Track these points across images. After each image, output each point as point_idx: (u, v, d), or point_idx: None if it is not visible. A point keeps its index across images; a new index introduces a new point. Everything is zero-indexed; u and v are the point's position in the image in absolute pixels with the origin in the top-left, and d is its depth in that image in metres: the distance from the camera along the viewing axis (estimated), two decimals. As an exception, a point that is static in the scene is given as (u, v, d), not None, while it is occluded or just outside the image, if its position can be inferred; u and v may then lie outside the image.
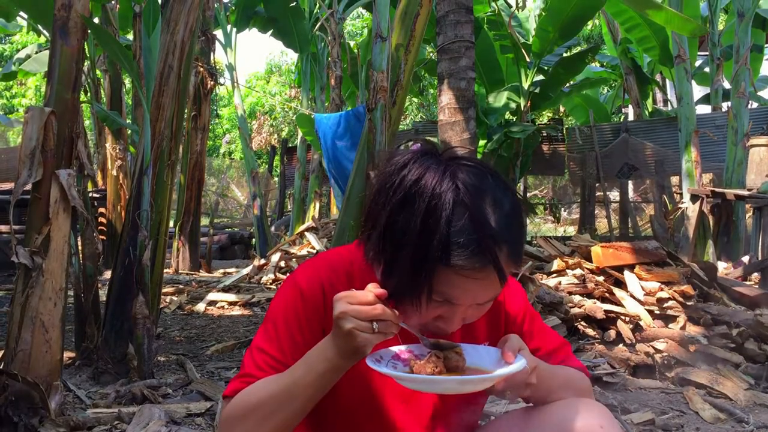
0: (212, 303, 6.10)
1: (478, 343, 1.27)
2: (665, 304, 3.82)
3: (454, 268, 1.06)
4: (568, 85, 11.66)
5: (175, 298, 6.33)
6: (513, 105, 10.79)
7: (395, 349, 1.14)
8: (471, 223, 1.06)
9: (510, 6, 11.77)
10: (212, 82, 9.10)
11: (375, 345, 1.08)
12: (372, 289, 1.07)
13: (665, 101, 14.37)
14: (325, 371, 1.09)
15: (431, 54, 10.87)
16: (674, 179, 11.47)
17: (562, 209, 19.22)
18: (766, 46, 10.61)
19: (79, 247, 3.65)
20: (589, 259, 4.27)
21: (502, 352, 1.11)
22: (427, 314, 1.12)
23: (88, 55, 5.07)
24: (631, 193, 14.31)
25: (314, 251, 7.60)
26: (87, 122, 11.13)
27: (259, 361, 1.18)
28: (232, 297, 6.29)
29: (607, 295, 3.97)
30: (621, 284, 4.03)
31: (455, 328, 1.14)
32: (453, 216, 1.06)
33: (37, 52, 9.36)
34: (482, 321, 1.28)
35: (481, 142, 10.31)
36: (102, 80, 8.79)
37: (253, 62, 55.67)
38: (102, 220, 8.65)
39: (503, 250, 1.08)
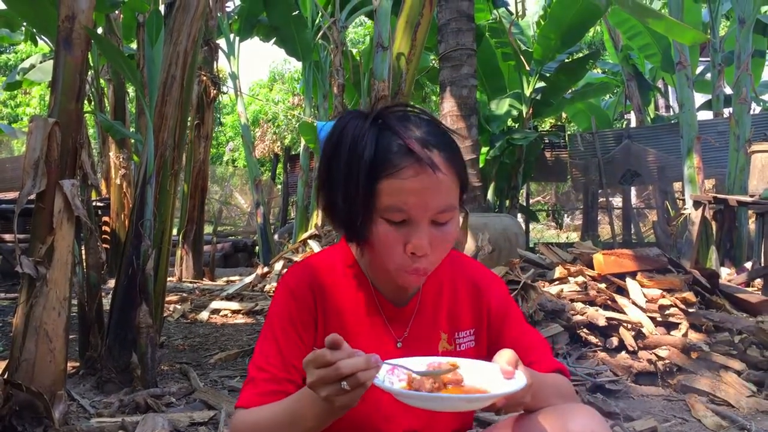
0: (216, 311, 6.11)
1: (462, 329, 1.32)
2: (667, 311, 3.82)
3: (392, 176, 1.12)
4: (570, 91, 11.68)
5: (178, 306, 6.34)
6: (515, 112, 10.80)
7: (392, 362, 1.13)
8: (395, 136, 1.15)
9: (511, 13, 11.80)
10: (215, 91, 9.13)
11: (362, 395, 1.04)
12: (327, 349, 1.02)
13: (667, 107, 14.38)
14: (317, 421, 1.09)
15: (434, 62, 10.89)
16: (677, 185, 11.47)
17: (565, 216, 19.23)
18: (767, 51, 10.61)
19: (83, 257, 3.67)
20: (590, 266, 4.27)
21: (500, 368, 1.11)
22: (395, 246, 1.16)
23: (91, 65, 5.11)
24: (633, 200, 14.30)
25: (317, 259, 7.59)
26: (91, 132, 11.18)
27: (260, 362, 1.23)
28: (235, 305, 6.30)
29: (609, 302, 3.97)
30: (623, 291, 4.03)
31: (425, 251, 1.16)
32: (378, 138, 1.14)
33: (41, 62, 9.40)
34: (466, 309, 1.33)
35: (484, 150, 10.32)
36: (106, 90, 8.85)
37: (256, 70, 55.87)
38: (105, 229, 8.68)
39: (434, 153, 1.14)
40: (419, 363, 1.13)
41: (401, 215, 1.15)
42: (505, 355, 1.12)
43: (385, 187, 1.13)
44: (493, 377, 1.10)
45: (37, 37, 8.38)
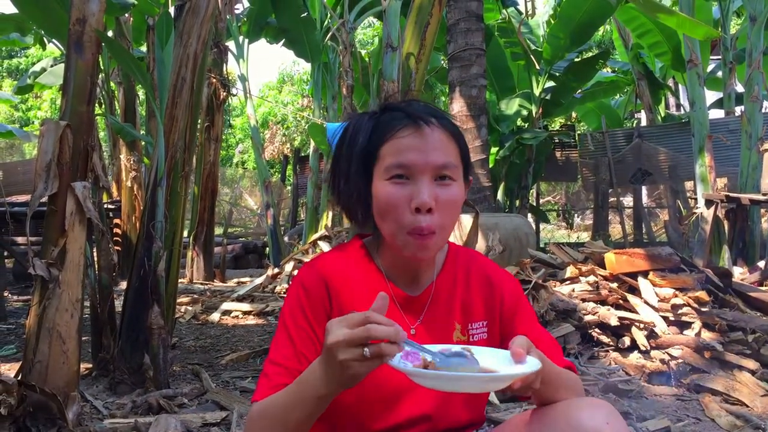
0: (226, 312, 6.13)
1: (476, 320, 1.33)
2: (680, 311, 3.80)
3: (391, 138, 1.21)
4: (580, 91, 11.63)
5: (189, 308, 6.36)
6: (525, 112, 10.78)
7: (406, 346, 1.13)
8: (396, 111, 1.25)
9: (520, 13, 11.77)
10: (225, 93, 9.16)
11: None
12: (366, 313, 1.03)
13: (678, 106, 14.30)
14: (318, 398, 1.09)
15: (443, 62, 10.88)
16: (688, 184, 11.40)
17: (576, 216, 19.16)
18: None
19: (95, 259, 3.69)
20: (602, 265, 4.25)
21: (512, 351, 1.11)
22: (400, 204, 1.19)
23: (102, 68, 5.13)
24: (644, 199, 14.23)
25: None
26: (102, 134, 11.24)
27: (274, 357, 1.24)
28: (246, 306, 6.31)
29: (620, 301, 3.95)
30: (635, 291, 4.01)
31: (429, 205, 1.18)
32: (379, 119, 1.26)
33: (52, 66, 9.47)
34: (479, 301, 1.35)
35: (493, 150, 10.31)
36: (116, 93, 8.89)
37: (265, 72, 56.02)
38: (117, 231, 8.72)
39: (433, 120, 1.22)
40: (432, 349, 1.14)
41: (403, 171, 1.20)
42: (518, 340, 1.13)
43: (386, 149, 1.21)
44: (507, 362, 1.11)
45: (45, 40, 8.44)
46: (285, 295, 6.91)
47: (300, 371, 1.18)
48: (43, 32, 5.44)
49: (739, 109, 9.79)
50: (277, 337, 1.26)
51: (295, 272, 7.56)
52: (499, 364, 1.11)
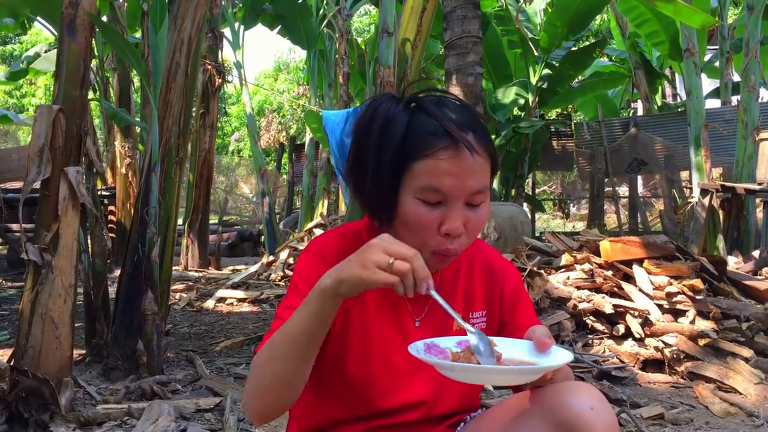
0: (221, 300, 6.12)
1: (476, 310, 1.33)
2: (674, 299, 3.80)
3: (428, 156, 1.13)
4: (578, 81, 11.60)
5: (184, 294, 6.35)
6: (521, 100, 10.75)
7: (428, 341, 1.14)
8: (431, 118, 1.15)
9: (518, 1, 11.72)
10: (220, 80, 9.12)
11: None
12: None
13: (674, 95, 14.30)
14: (313, 298, 1.09)
15: (441, 50, 10.86)
16: (684, 174, 11.42)
17: (571, 205, 19.17)
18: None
19: (89, 244, 3.67)
20: (597, 253, 4.25)
21: (536, 342, 1.12)
22: (430, 226, 1.16)
23: (96, 53, 5.09)
24: (640, 188, 14.25)
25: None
26: (96, 120, 11.18)
27: (281, 312, 1.22)
28: (241, 294, 6.31)
29: (615, 289, 3.95)
30: (630, 279, 4.01)
31: (460, 231, 1.17)
32: (412, 120, 1.16)
33: (46, 51, 9.39)
34: (480, 290, 1.34)
35: (490, 138, 10.27)
36: (111, 78, 8.83)
37: (261, 60, 55.76)
38: (111, 217, 8.69)
39: (470, 135, 1.15)
40: (449, 341, 1.15)
41: (437, 196, 1.15)
42: (539, 331, 1.13)
43: (421, 167, 1.14)
44: (530, 352, 1.12)
45: (26, 24, 8.35)
46: (280, 283, 6.92)
47: None
48: (36, 16, 5.38)
49: (735, 99, 9.79)
50: (287, 296, 1.24)
51: (291, 260, 7.56)
52: (526, 355, 1.11)
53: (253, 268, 7.70)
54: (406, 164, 1.15)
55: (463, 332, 1.27)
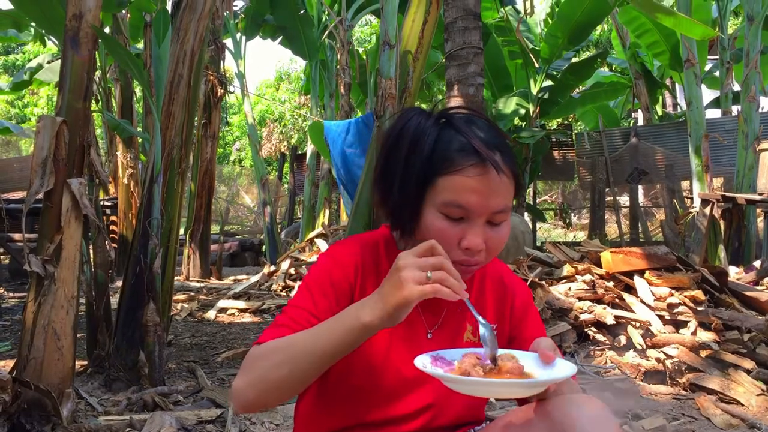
0: (223, 310, 6.12)
1: (488, 319, 1.32)
2: (676, 310, 3.80)
3: (455, 173, 1.15)
4: (579, 92, 11.61)
5: (186, 305, 6.35)
6: (522, 111, 10.77)
7: (434, 353, 1.15)
8: (460, 134, 1.18)
9: (518, 12, 11.77)
10: (222, 90, 9.15)
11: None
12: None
13: (675, 105, 14.32)
14: (352, 328, 1.08)
15: (443, 60, 10.90)
16: (684, 184, 11.42)
17: (572, 215, 19.17)
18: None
19: (91, 256, 3.67)
20: (598, 264, 4.26)
21: (541, 354, 1.12)
22: (451, 241, 1.16)
23: (99, 64, 5.12)
24: (641, 198, 14.25)
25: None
26: (98, 131, 11.21)
27: (293, 314, 1.21)
28: (242, 304, 6.31)
29: (617, 300, 3.96)
30: (631, 290, 4.01)
31: (481, 248, 1.17)
32: (441, 135, 1.19)
33: (49, 62, 9.44)
34: (491, 304, 1.36)
35: (491, 148, 10.28)
36: (113, 89, 8.87)
37: (262, 70, 55.94)
38: (113, 228, 8.71)
39: (497, 154, 1.17)
40: (456, 354, 1.15)
41: (460, 212, 1.17)
42: (544, 343, 1.14)
43: (447, 182, 1.16)
44: (535, 364, 1.12)
45: (45, 38, 8.42)
46: (281, 293, 6.92)
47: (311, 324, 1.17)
48: (40, 28, 5.42)
49: (735, 109, 9.81)
50: (297, 296, 1.24)
51: (292, 270, 7.56)
52: (531, 367, 1.12)
53: (254, 278, 7.70)
54: (431, 178, 1.17)
55: (472, 344, 1.27)
